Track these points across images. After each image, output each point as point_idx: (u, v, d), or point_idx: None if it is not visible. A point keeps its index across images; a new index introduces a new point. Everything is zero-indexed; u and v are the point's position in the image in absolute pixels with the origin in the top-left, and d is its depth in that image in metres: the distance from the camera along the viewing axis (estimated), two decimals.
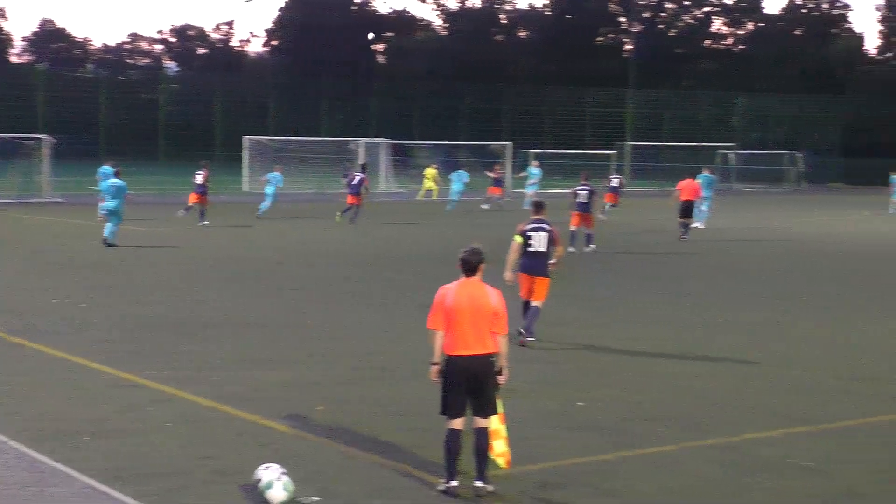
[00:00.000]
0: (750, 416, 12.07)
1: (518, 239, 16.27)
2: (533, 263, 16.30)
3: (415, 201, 55.83)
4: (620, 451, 10.62)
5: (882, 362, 15.34)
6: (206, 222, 36.83)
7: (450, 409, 9.31)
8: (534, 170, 51.03)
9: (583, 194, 30.01)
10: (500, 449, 9.42)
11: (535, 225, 16.41)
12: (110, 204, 29.66)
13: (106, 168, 37.63)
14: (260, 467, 9.08)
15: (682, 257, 29.55)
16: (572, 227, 29.70)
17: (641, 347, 16.16)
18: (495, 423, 9.39)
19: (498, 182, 49.99)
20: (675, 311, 19.82)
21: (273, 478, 8.87)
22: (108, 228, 29.42)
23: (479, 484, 9.18)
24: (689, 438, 11.08)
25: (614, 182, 44.98)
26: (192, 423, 11.42)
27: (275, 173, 43.45)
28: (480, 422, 9.30)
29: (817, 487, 9.59)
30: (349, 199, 39.36)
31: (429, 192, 56.53)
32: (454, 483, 9.18)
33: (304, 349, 15.56)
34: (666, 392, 13.21)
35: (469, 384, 9.27)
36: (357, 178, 40.23)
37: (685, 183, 35.05)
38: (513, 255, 16.22)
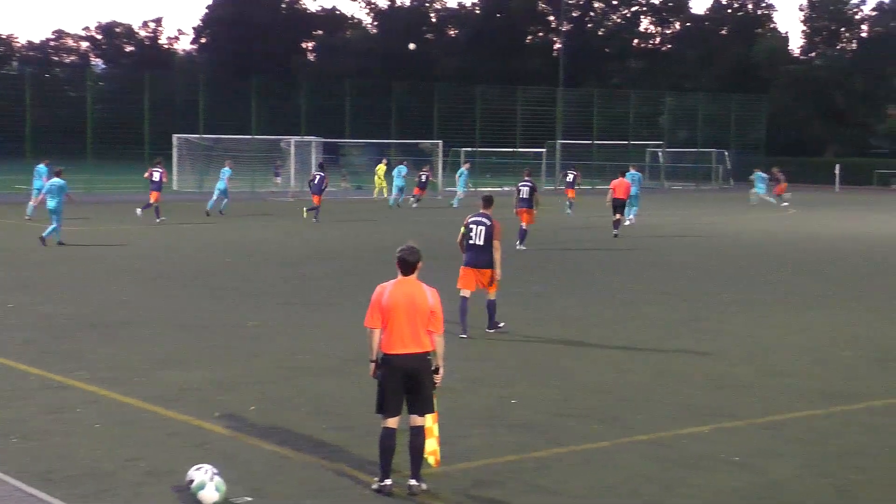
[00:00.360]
0: (678, 411, 12.20)
1: (462, 229, 16.71)
2: (473, 256, 16.68)
3: (349, 199, 55.69)
4: (554, 448, 10.69)
5: (800, 357, 15.56)
6: (140, 212, 37.85)
7: (386, 408, 9.30)
8: (465, 171, 53.12)
9: (525, 190, 30.44)
10: (430, 447, 9.43)
11: (478, 218, 16.73)
12: (51, 203, 29.43)
13: (42, 167, 37.43)
14: (192, 468, 8.99)
15: (611, 253, 29.78)
16: (522, 224, 30.17)
17: (571, 344, 16.27)
18: (428, 422, 9.40)
19: (422, 184, 51.45)
20: (603, 308, 19.97)
21: (205, 478, 8.80)
22: (48, 228, 29.28)
23: (413, 482, 9.18)
24: (621, 435, 11.18)
25: (569, 178, 46.30)
26: (122, 425, 11.30)
27: (225, 168, 43.86)
28: (417, 420, 9.30)
29: (746, 481, 9.72)
30: (315, 199, 40.43)
31: (381, 189, 57.07)
32: (388, 482, 9.17)
33: (236, 348, 15.46)
34: (595, 389, 13.31)
35: (406, 382, 9.27)
36: (318, 178, 41.16)
37: (617, 181, 35.61)
38: (461, 245, 16.83)
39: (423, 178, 51.86)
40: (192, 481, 8.85)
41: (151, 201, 37.83)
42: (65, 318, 17.81)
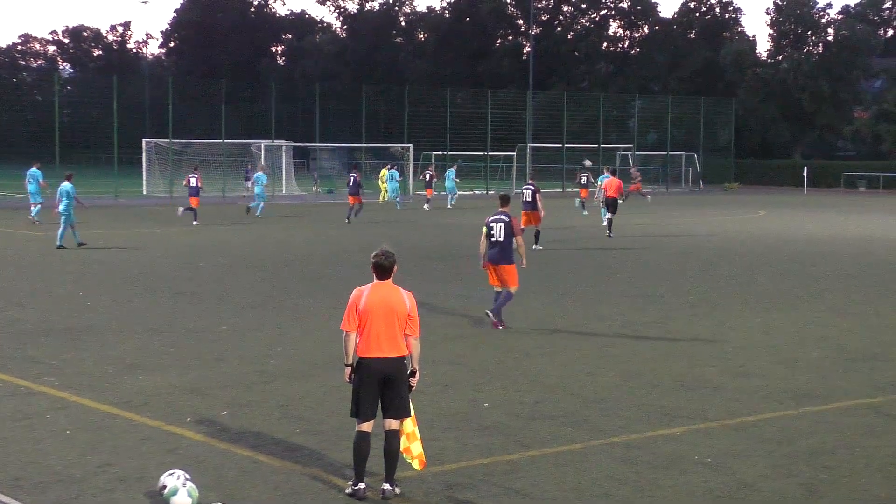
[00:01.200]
0: (650, 413, 12.23)
1: (484, 230, 17.84)
2: (494, 253, 17.75)
3: (320, 203, 55.59)
4: (526, 450, 10.71)
5: (768, 358, 15.63)
6: (196, 222, 39.80)
7: (361, 412, 9.29)
8: (452, 171, 55.47)
9: (527, 193, 31.53)
10: (416, 451, 9.43)
11: (497, 216, 17.88)
12: (59, 207, 30.08)
13: (35, 171, 38.70)
14: (164, 474, 8.96)
15: (582, 254, 29.85)
16: (522, 226, 30.68)
17: (542, 346, 16.30)
18: (410, 426, 9.40)
19: (428, 184, 53.58)
20: (573, 309, 20.00)
21: (178, 484, 8.76)
22: (71, 233, 30.15)
23: (387, 486, 9.18)
24: (593, 437, 11.21)
25: (583, 180, 47.70)
26: (92, 430, 11.24)
27: (259, 173, 45.80)
28: (392, 424, 9.30)
29: (718, 482, 9.78)
30: (350, 200, 42.27)
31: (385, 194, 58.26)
32: (362, 486, 9.17)
33: (206, 352, 15.41)
34: (566, 391, 13.32)
35: (382, 386, 9.27)
36: (352, 179, 42.73)
37: (608, 180, 36.95)
38: (482, 247, 17.87)
39: (428, 177, 53.31)
40: (164, 487, 8.81)
41: (194, 206, 40.32)
42: (32, 324, 17.70)
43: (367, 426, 9.27)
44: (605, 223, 36.10)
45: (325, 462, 10.18)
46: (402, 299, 9.40)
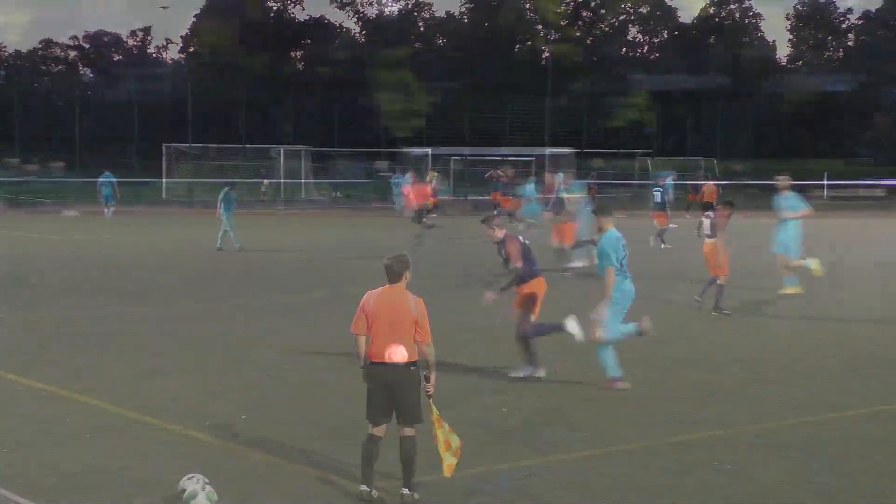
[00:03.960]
0: (668, 420, 12.19)
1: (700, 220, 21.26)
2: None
3: (338, 208, 55.63)
4: (544, 456, 10.68)
5: (787, 365, 15.55)
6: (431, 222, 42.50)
7: (370, 416, 9.29)
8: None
9: (657, 195, 35.05)
10: (448, 461, 9.29)
11: (709, 212, 21.15)
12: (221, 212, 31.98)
13: (109, 175, 40.28)
14: (183, 477, 8.97)
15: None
16: (660, 226, 34.21)
17: (559, 352, 16.25)
18: (441, 431, 9.25)
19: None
20: (587, 315, 19.89)
21: (197, 488, 8.78)
22: (220, 235, 31.71)
23: (405, 492, 9.16)
24: (611, 443, 11.17)
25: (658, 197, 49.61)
26: (112, 434, 11.27)
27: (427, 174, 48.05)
28: (405, 430, 9.26)
29: (736, 489, 9.73)
30: (503, 203, 44.28)
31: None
32: (364, 488, 9.12)
33: (223, 357, 15.45)
34: (584, 397, 13.30)
35: (387, 392, 9.24)
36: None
37: (707, 185, 41.91)
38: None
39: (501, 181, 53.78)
40: (183, 491, 8.83)
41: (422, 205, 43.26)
42: (51, 328, 17.76)
43: (378, 430, 9.25)
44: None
45: (343, 466, 10.17)
46: (408, 305, 9.30)
